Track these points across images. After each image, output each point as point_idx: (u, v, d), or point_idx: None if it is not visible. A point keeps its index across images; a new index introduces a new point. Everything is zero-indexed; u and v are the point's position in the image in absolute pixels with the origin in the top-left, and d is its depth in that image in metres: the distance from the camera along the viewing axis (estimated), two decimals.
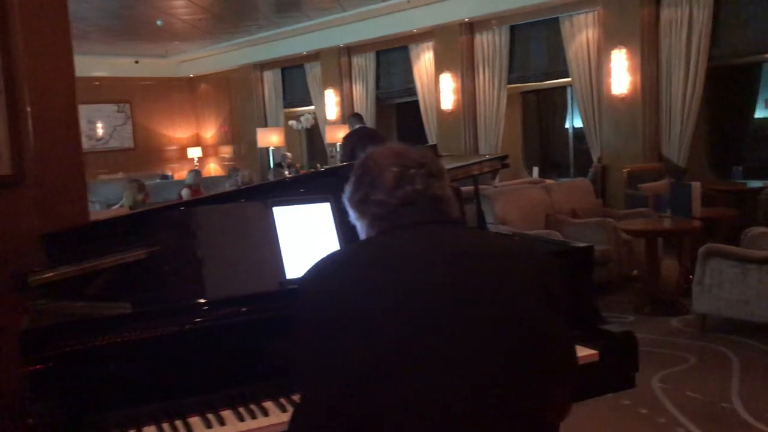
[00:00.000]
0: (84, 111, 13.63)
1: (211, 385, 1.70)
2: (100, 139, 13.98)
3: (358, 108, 11.11)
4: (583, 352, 2.00)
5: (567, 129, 9.87)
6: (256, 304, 1.78)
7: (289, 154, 11.92)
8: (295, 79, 12.82)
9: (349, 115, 9.32)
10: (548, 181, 7.89)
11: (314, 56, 11.93)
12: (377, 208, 1.36)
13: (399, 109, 11.80)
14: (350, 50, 11.44)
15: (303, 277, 1.28)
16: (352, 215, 1.42)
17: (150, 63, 14.14)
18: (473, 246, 1.30)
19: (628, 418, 3.63)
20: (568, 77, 8.71)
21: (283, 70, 12.95)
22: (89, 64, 13.49)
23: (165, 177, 13.01)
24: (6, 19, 2.92)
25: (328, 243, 1.95)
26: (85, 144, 13.78)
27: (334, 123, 11.17)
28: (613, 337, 2.04)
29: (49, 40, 3.07)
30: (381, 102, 11.37)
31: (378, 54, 11.08)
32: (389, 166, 1.37)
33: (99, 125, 14.00)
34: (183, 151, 14.76)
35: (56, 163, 3.09)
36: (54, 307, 1.80)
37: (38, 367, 1.50)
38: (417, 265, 1.22)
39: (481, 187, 7.02)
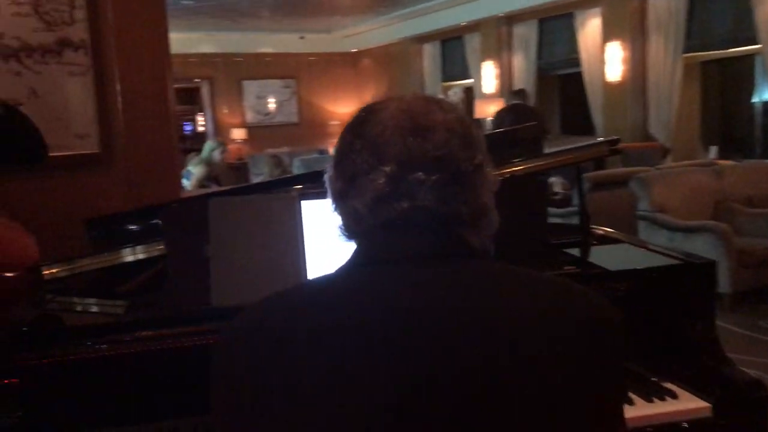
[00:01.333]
0: (254, 86, 14.34)
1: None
2: (267, 114, 14.48)
3: (517, 81, 10.54)
4: (690, 403, 1.53)
5: (754, 103, 8.64)
6: None
7: None
8: (454, 52, 12.42)
9: (511, 91, 8.88)
10: (722, 163, 6.90)
11: (474, 27, 11.45)
12: (352, 220, 0.95)
13: (562, 80, 11.02)
14: (511, 19, 10.83)
15: (228, 327, 0.92)
16: (330, 203, 1.01)
17: (314, 38, 14.38)
18: (481, 303, 0.84)
19: None
20: (757, 44, 7.55)
21: (442, 42, 12.61)
22: (258, 41, 14.00)
23: (322, 152, 13.24)
24: None
25: None
26: (254, 119, 14.38)
27: (492, 96, 10.67)
28: (735, 386, 1.53)
29: (141, 14, 2.97)
30: (543, 73, 10.67)
31: (540, 22, 10.38)
32: (382, 161, 0.89)
33: (270, 100, 14.51)
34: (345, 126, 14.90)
35: (146, 140, 3.01)
36: (56, 303, 1.64)
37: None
38: (389, 332, 0.81)
39: (639, 169, 6.29)
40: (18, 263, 1.82)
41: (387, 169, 0.90)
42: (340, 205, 0.98)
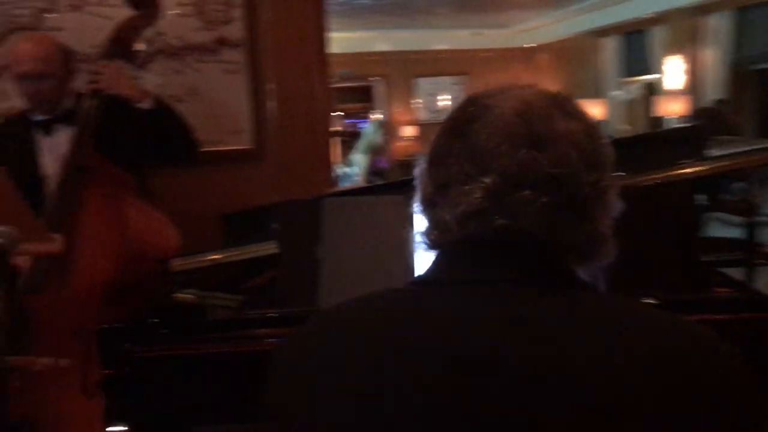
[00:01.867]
0: (426, 84, 14.44)
1: None
2: (438, 111, 14.51)
3: (707, 76, 9.73)
4: None
5: None
6: None
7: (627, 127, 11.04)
8: (635, 46, 11.68)
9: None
10: None
11: (658, 19, 10.69)
12: (438, 229, 0.84)
13: (760, 76, 9.97)
14: (702, 9, 9.96)
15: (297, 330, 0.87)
16: (416, 205, 0.89)
17: (489, 34, 14.19)
18: (558, 347, 0.69)
19: None
20: None
21: (623, 36, 11.91)
22: (431, 38, 14.07)
23: None
24: None
25: None
26: (425, 116, 14.47)
27: (676, 93, 9.91)
28: None
29: (297, 13, 3.03)
30: (737, 68, 9.72)
31: (737, 13, 9.46)
32: (483, 172, 0.76)
33: (440, 97, 14.53)
34: None
35: (298, 137, 3.08)
36: (179, 295, 1.69)
37: (112, 371, 1.38)
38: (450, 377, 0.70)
39: None
40: (159, 254, 1.92)
41: (487, 181, 0.76)
42: (427, 211, 0.87)
